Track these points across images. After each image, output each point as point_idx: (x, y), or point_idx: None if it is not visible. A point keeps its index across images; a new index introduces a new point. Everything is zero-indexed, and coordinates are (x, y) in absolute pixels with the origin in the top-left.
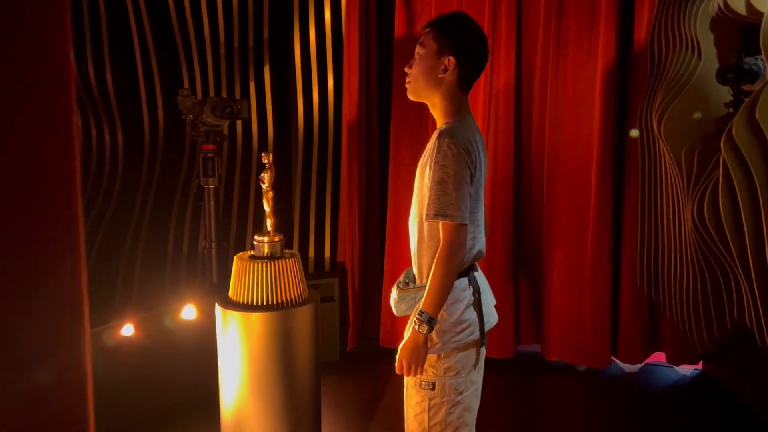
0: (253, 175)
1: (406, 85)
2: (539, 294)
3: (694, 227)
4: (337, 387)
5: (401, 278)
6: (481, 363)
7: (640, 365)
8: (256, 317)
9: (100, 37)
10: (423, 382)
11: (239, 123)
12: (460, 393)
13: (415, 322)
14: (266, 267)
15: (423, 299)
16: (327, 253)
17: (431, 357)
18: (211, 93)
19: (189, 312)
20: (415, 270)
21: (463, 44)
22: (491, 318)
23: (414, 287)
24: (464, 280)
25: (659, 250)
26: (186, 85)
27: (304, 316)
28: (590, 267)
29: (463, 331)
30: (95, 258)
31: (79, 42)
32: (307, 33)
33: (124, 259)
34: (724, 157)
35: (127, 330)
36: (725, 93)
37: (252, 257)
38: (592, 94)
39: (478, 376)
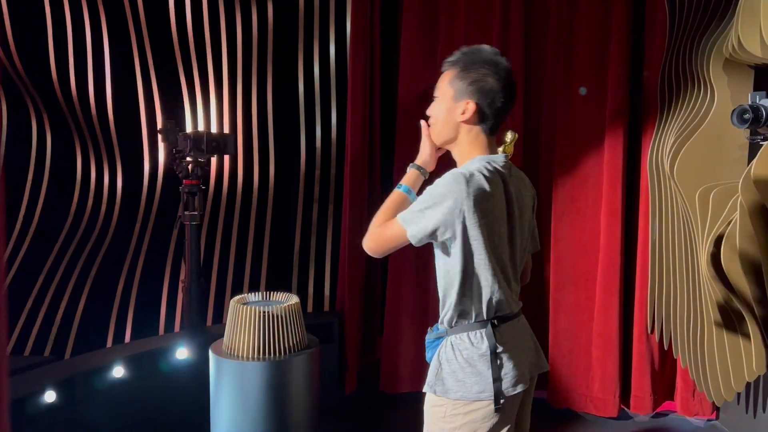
0: (236, 212)
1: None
2: (545, 337)
3: (709, 272)
4: None
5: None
6: None
7: (650, 415)
8: (251, 366)
9: (102, 67)
10: None
11: (227, 158)
12: None
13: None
14: (262, 314)
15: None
16: (327, 292)
17: (437, 412)
18: (210, 128)
19: (180, 353)
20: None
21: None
22: (512, 380)
23: (435, 333)
24: (479, 332)
25: (671, 295)
26: (187, 120)
27: (301, 366)
28: (598, 310)
29: (471, 381)
30: (87, 296)
31: (81, 74)
32: (312, 68)
33: (118, 296)
34: (742, 200)
35: (118, 371)
36: (739, 135)
37: (247, 302)
38: (601, 131)
39: None
